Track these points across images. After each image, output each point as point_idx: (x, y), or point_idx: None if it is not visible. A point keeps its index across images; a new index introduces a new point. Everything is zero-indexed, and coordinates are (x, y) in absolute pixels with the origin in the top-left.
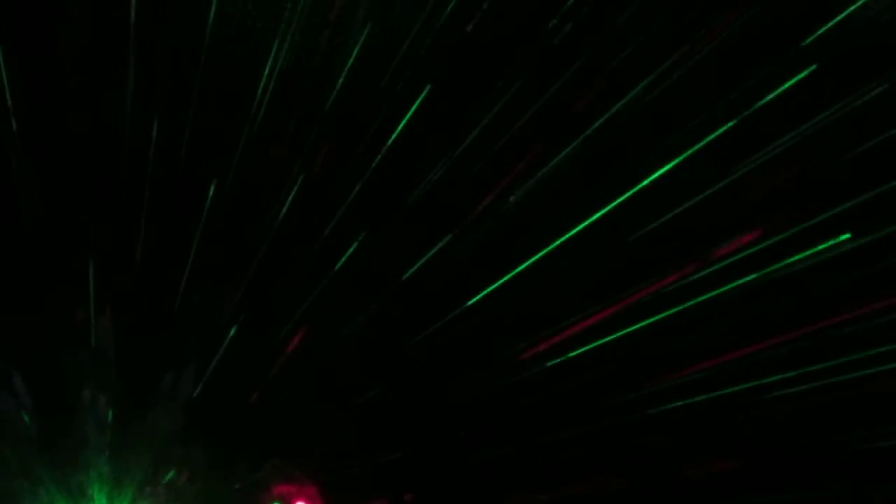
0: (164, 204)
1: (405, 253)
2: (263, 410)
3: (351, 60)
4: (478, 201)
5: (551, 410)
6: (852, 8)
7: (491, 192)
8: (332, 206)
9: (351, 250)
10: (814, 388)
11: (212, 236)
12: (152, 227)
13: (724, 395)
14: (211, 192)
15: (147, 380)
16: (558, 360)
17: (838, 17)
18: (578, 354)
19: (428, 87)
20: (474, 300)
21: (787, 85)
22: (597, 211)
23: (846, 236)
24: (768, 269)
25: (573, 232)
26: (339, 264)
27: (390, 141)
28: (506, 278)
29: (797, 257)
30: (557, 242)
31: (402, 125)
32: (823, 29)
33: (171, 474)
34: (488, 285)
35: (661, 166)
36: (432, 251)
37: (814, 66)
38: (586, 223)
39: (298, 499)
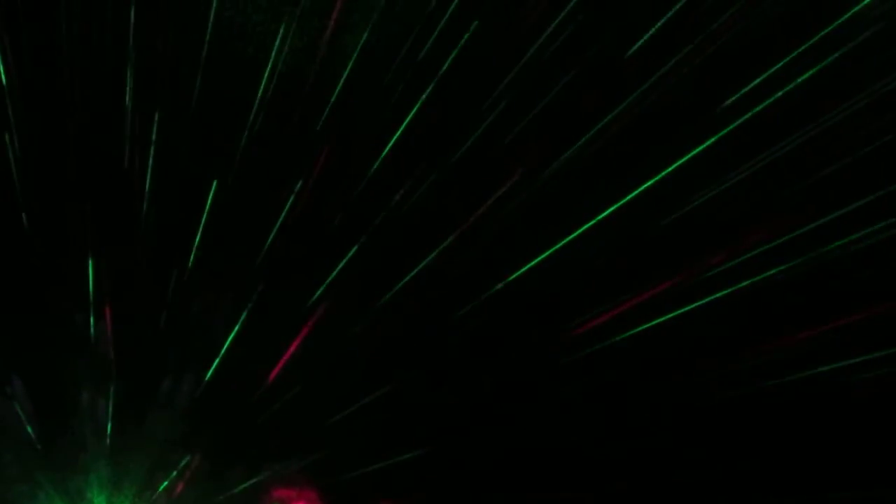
0: (164, 206)
1: (408, 252)
2: (263, 414)
3: (351, 62)
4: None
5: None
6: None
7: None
8: (342, 198)
9: (353, 251)
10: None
11: (212, 239)
12: (152, 230)
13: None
14: (211, 193)
15: (146, 385)
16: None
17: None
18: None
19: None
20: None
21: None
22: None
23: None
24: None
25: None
26: (341, 264)
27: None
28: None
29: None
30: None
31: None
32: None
33: (170, 478)
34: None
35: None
36: (427, 258)
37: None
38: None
39: (298, 502)
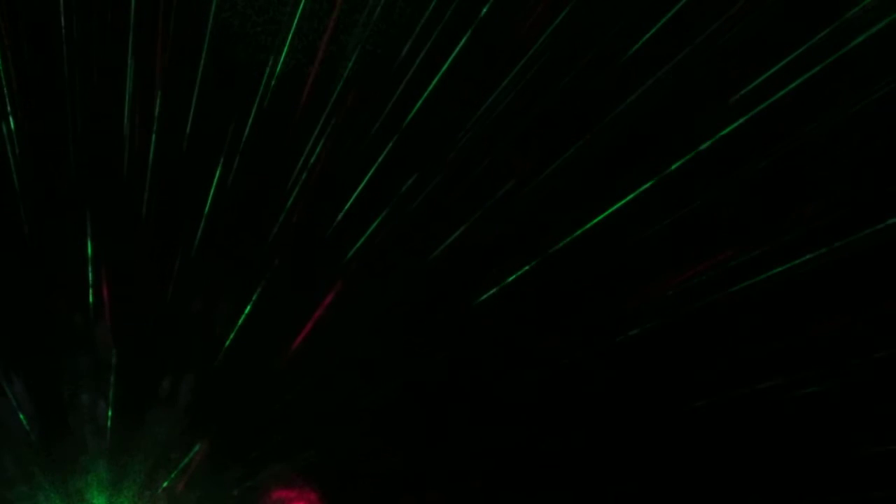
0: (164, 203)
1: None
2: (265, 413)
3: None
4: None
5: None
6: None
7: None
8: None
9: (360, 244)
10: None
11: (212, 238)
12: (153, 228)
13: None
14: (212, 193)
15: (146, 384)
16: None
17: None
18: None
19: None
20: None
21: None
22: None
23: None
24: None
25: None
26: (347, 256)
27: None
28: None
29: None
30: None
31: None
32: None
33: (169, 479)
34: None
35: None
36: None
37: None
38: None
39: (299, 503)
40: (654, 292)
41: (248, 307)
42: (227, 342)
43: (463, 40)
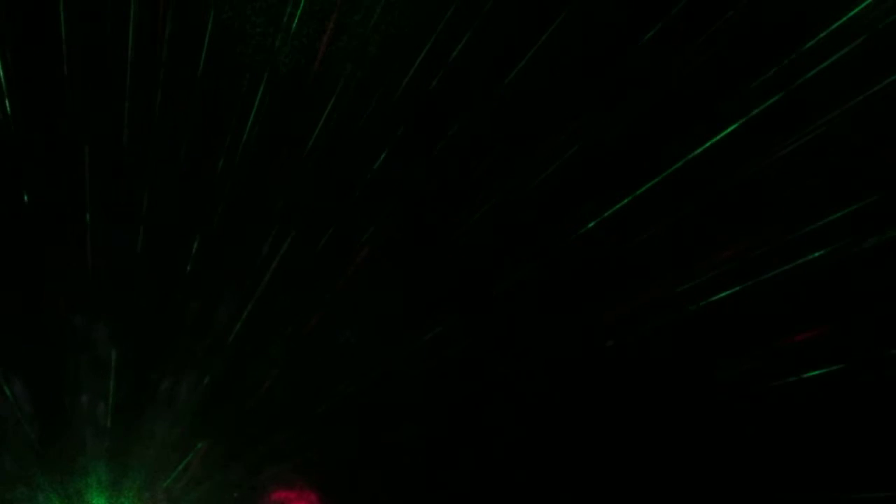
0: (164, 204)
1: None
2: (263, 415)
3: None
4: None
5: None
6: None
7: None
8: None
9: (370, 236)
10: None
11: (212, 240)
12: (152, 231)
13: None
14: (212, 195)
15: (146, 386)
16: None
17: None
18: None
19: None
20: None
21: None
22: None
23: None
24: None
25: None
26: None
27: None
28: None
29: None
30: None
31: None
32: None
33: (169, 480)
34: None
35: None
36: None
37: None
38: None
39: (298, 503)
40: (658, 293)
41: (249, 309)
42: (228, 342)
43: (463, 41)
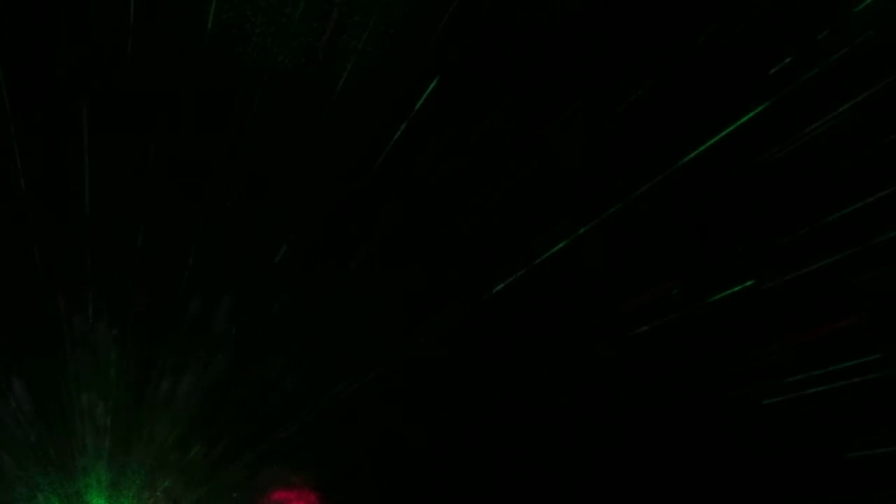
0: (165, 204)
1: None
2: (263, 415)
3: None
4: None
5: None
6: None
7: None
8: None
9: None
10: None
11: (212, 240)
12: (152, 232)
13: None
14: (211, 196)
15: (146, 386)
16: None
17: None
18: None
19: None
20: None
21: None
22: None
23: None
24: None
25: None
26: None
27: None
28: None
29: None
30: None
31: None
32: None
33: (168, 480)
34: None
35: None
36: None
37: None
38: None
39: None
40: (656, 294)
41: (248, 307)
42: (228, 341)
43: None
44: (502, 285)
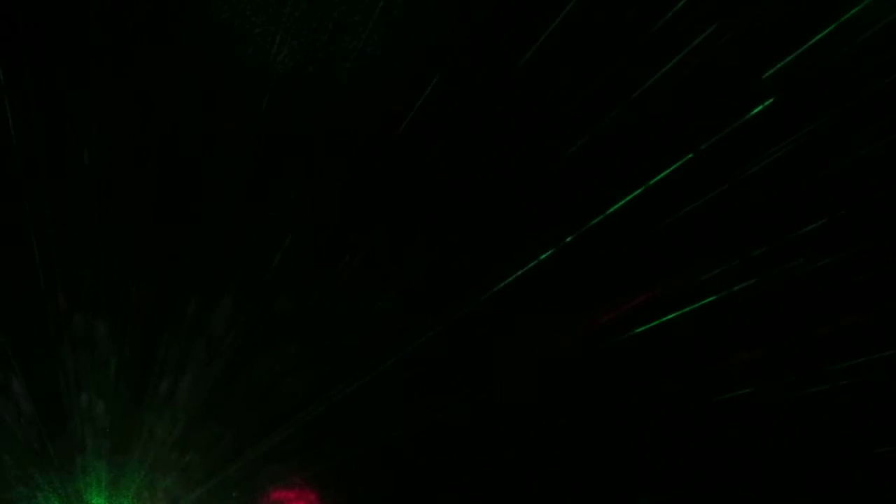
0: (164, 204)
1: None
2: (264, 415)
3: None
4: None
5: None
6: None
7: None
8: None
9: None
10: None
11: (212, 240)
12: (153, 229)
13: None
14: (211, 195)
15: (146, 386)
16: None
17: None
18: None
19: None
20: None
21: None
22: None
23: None
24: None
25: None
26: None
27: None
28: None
29: None
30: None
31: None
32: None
33: (168, 480)
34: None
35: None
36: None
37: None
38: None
39: (298, 503)
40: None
41: (249, 306)
42: (228, 342)
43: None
44: (502, 285)
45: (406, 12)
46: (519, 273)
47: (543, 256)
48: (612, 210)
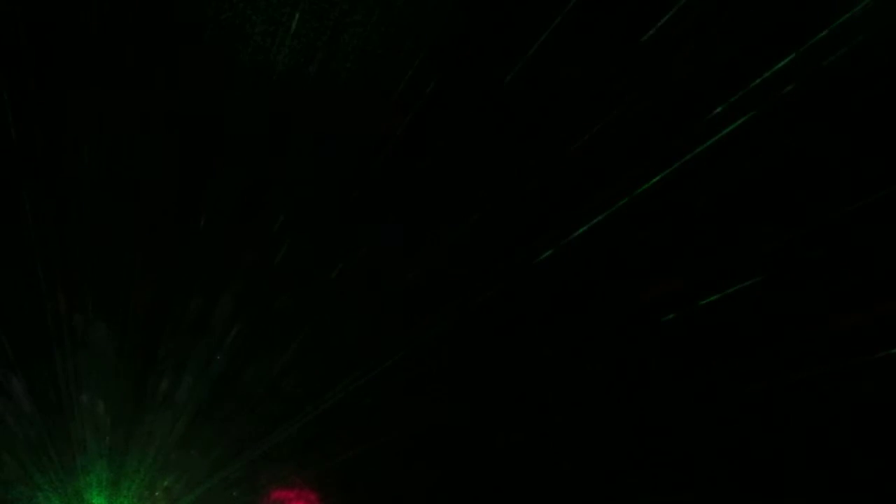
0: (164, 205)
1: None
2: (264, 414)
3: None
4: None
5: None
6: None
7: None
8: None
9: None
10: None
11: (211, 240)
12: (151, 230)
13: None
14: (211, 195)
15: (146, 385)
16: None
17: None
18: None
19: None
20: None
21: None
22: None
23: None
24: None
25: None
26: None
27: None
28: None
29: None
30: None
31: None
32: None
33: (168, 480)
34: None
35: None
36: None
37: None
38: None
39: (298, 503)
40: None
41: (249, 306)
42: (228, 342)
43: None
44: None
45: (406, 12)
46: (519, 273)
47: (544, 256)
48: (619, 205)
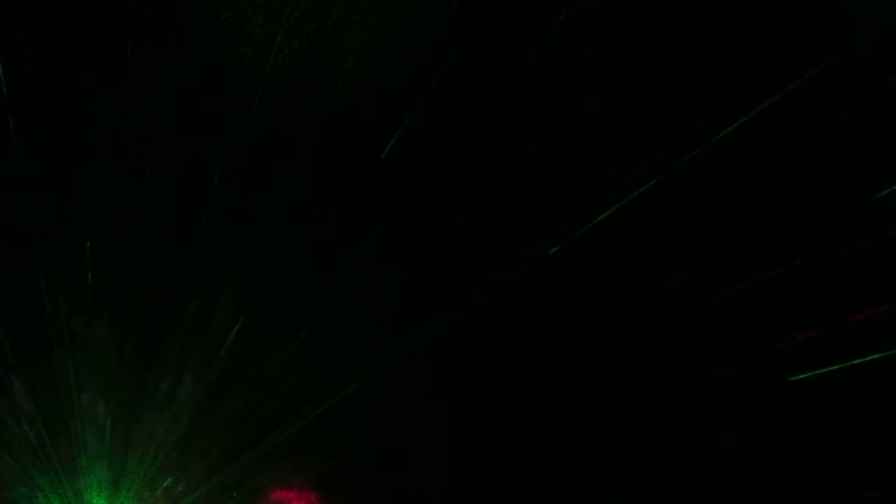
0: (165, 205)
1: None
2: (264, 415)
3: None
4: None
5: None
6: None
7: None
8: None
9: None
10: None
11: (211, 240)
12: (153, 229)
13: None
14: (210, 194)
15: (146, 386)
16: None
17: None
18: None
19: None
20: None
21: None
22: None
23: None
24: None
25: None
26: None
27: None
28: None
29: None
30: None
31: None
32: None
33: (169, 481)
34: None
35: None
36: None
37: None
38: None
39: (297, 503)
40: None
41: (249, 306)
42: (228, 342)
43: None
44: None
45: (406, 12)
46: (518, 273)
47: (551, 251)
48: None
